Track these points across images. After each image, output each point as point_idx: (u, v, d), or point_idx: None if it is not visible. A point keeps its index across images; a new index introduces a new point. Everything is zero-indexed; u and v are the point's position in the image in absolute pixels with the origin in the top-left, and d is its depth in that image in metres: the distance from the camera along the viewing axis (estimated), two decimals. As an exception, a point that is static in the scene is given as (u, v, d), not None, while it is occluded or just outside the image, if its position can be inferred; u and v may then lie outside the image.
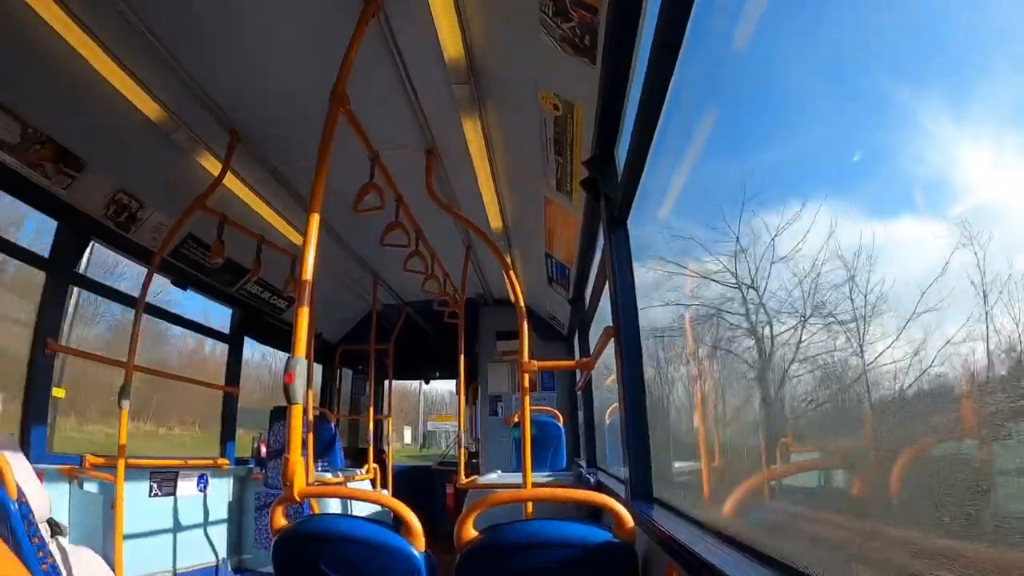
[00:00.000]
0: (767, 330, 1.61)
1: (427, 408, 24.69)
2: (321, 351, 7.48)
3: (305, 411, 3.37)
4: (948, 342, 0.93)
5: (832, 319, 1.27)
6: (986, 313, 0.87)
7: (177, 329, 5.59)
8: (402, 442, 24.10)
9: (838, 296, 1.24)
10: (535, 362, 3.21)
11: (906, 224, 1.05)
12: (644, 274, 2.85)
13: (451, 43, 2.88)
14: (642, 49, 2.21)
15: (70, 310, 4.06)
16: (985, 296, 0.86)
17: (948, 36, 0.99)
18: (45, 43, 2.84)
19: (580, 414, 6.69)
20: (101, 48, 2.92)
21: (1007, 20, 0.88)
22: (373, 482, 6.01)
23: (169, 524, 4.67)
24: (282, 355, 8.28)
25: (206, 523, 5.07)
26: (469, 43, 2.91)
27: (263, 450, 5.80)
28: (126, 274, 4.92)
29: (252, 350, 6.23)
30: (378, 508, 5.24)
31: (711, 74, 1.97)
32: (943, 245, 0.92)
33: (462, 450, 5.13)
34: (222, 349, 6.05)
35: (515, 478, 4.53)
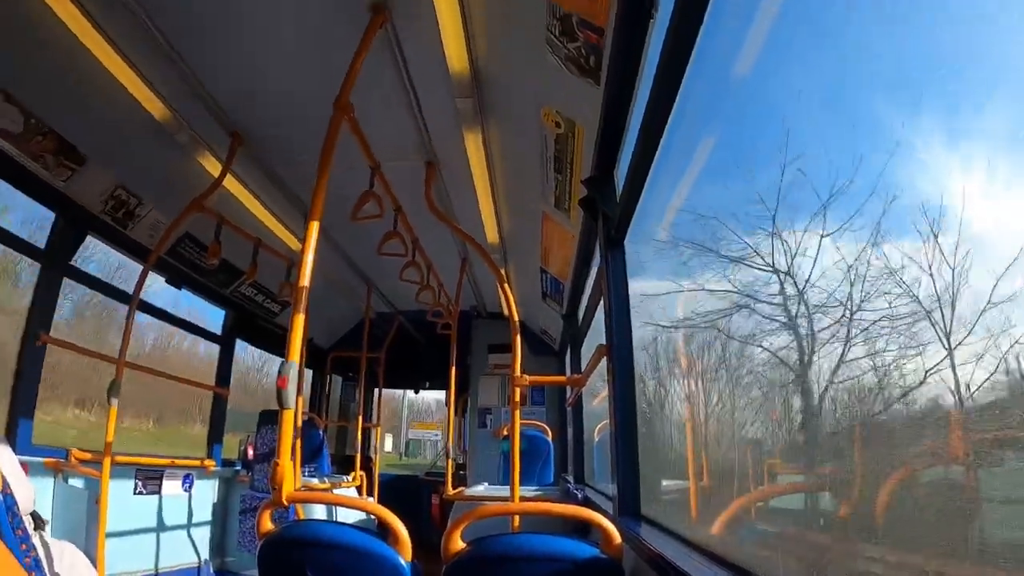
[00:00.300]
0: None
1: (411, 415, 24.43)
2: (312, 356, 7.47)
3: (295, 416, 3.36)
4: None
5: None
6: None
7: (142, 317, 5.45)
8: (382, 450, 23.71)
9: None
10: (527, 376, 3.22)
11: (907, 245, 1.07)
12: (639, 289, 2.88)
13: (456, 56, 2.91)
14: (646, 71, 2.24)
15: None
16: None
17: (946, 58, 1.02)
18: (52, 35, 2.85)
19: (569, 430, 6.69)
20: (108, 43, 2.94)
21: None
22: (359, 490, 5.99)
23: (153, 523, 4.64)
24: (259, 354, 8.24)
25: (190, 523, 5.04)
26: (474, 57, 2.94)
27: (250, 453, 5.77)
28: (94, 258, 4.83)
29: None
30: (363, 516, 5.22)
31: (714, 98, 2.00)
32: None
33: (449, 461, 5.12)
34: (191, 340, 5.96)
35: (502, 491, 4.52)
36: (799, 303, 1.40)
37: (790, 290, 1.43)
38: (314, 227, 2.48)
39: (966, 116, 1.00)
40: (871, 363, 1.15)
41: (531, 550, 2.03)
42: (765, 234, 1.53)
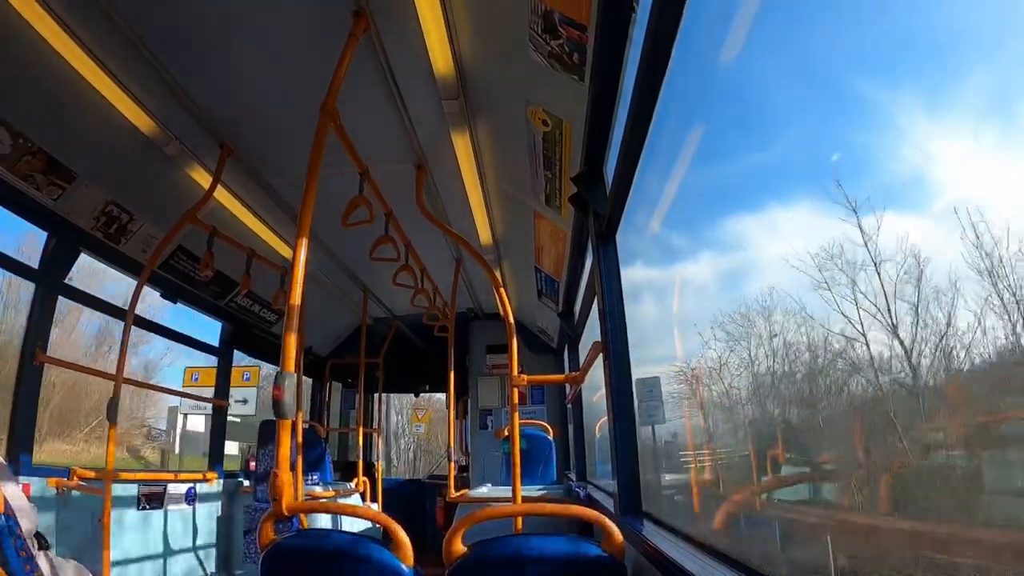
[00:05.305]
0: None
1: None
2: (311, 365, 7.46)
3: (294, 425, 3.35)
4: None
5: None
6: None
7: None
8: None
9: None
10: (524, 376, 3.21)
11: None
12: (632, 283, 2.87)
13: (441, 58, 2.90)
14: (630, 66, 2.23)
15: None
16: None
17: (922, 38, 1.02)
18: (37, 54, 2.84)
19: (570, 427, 6.68)
20: (93, 60, 2.93)
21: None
22: (363, 495, 5.99)
23: (158, 538, 4.62)
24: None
25: (195, 537, 5.02)
26: (459, 58, 2.93)
27: (251, 464, 5.76)
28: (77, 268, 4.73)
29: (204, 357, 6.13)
30: (368, 522, 5.22)
31: (698, 89, 2.00)
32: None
33: (451, 464, 5.11)
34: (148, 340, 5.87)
35: (505, 492, 4.52)
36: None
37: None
38: (303, 244, 2.45)
39: (946, 90, 1.00)
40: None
41: (532, 551, 2.02)
42: (753, 219, 1.54)
